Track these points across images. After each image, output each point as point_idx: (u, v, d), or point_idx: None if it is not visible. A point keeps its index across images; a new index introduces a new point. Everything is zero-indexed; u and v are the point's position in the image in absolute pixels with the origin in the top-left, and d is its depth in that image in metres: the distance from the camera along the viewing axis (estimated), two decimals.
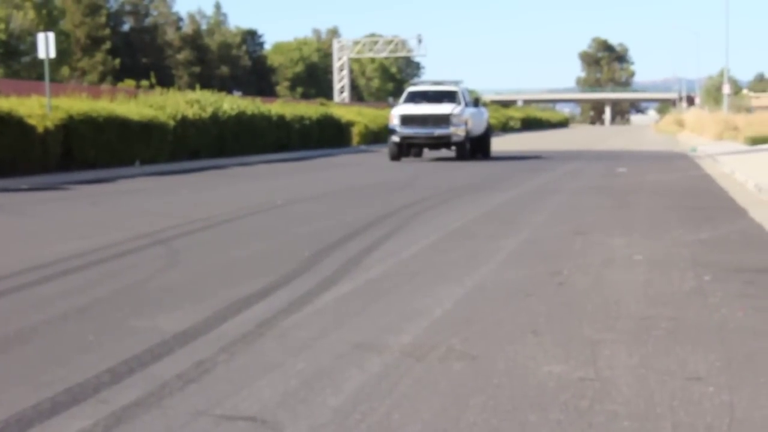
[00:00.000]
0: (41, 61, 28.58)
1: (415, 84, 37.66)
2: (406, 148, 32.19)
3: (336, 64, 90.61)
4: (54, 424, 4.45)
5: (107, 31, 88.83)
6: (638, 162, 29.72)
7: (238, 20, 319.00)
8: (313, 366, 5.39)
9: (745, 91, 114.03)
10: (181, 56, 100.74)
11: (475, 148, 32.56)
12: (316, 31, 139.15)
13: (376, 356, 5.60)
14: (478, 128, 32.71)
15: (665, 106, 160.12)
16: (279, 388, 4.97)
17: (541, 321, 6.51)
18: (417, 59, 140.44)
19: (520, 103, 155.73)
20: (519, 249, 10.17)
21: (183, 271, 8.97)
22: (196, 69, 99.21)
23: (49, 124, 24.03)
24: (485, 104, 42.32)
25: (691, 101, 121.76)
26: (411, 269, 8.80)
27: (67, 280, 8.41)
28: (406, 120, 31.24)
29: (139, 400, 4.77)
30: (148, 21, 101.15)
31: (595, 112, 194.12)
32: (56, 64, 59.40)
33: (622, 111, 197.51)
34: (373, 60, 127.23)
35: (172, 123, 30.43)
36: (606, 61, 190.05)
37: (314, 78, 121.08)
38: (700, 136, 55.88)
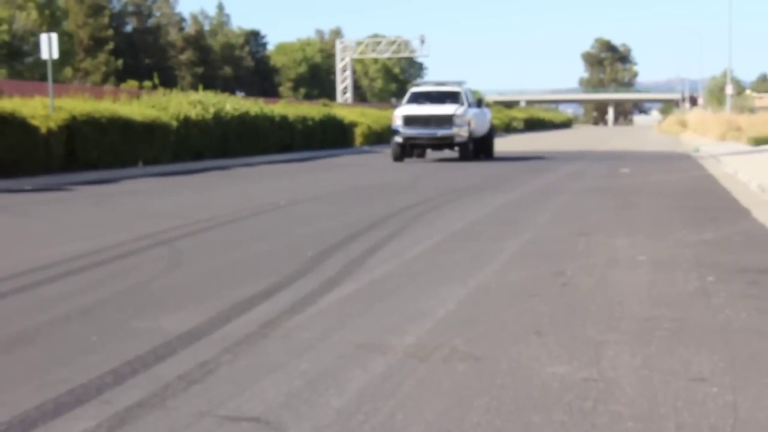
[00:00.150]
0: (44, 62, 28.54)
1: (418, 84, 37.66)
2: (409, 149, 32.19)
3: (339, 65, 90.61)
4: (57, 424, 4.45)
5: (110, 32, 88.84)
6: (641, 163, 29.70)
7: (240, 21, 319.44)
8: (317, 367, 5.39)
9: (748, 92, 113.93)
10: (184, 57, 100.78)
11: (478, 148, 32.56)
12: (319, 32, 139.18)
13: (380, 357, 5.60)
14: (481, 129, 32.70)
15: (668, 106, 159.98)
16: (282, 389, 4.96)
17: (544, 322, 6.50)
18: (420, 60, 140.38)
19: (523, 104, 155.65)
20: (522, 250, 10.17)
21: (186, 271, 8.97)
22: (199, 70, 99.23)
23: (52, 124, 24.04)
24: (488, 105, 42.30)
25: (694, 102, 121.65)
26: (414, 270, 8.79)
27: (70, 281, 8.41)
28: (409, 121, 31.23)
29: (142, 400, 4.77)
30: (151, 22, 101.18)
31: (598, 113, 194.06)
32: (59, 64, 59.37)
33: (625, 111, 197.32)
34: (376, 60, 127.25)
35: (174, 124, 30.44)
36: (609, 61, 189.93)
37: (317, 79, 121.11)
38: (703, 137, 55.84)
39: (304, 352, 5.72)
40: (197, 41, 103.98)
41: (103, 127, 26.16)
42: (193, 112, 32.01)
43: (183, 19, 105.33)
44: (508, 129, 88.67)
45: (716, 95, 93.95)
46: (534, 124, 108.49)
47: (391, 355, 5.63)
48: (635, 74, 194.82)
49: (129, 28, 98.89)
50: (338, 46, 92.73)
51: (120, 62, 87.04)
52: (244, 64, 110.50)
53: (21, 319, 6.73)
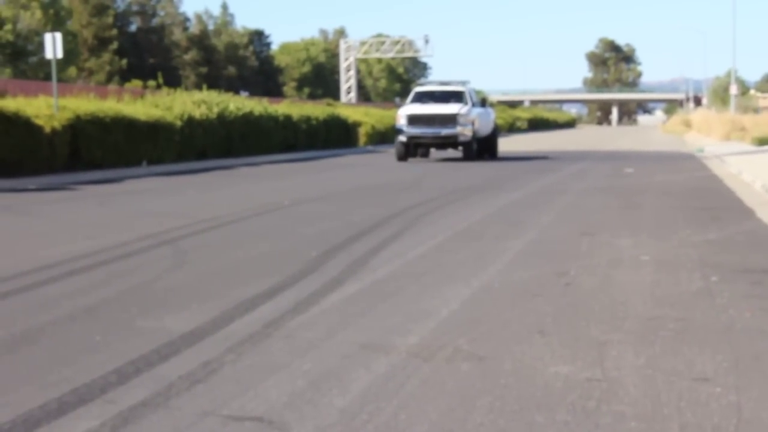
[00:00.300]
0: (48, 62, 28.62)
1: (422, 84, 37.64)
2: (413, 149, 32.21)
3: (343, 65, 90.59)
4: (61, 424, 4.45)
5: (114, 32, 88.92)
6: (645, 162, 29.68)
7: (245, 20, 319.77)
8: (320, 366, 5.39)
9: (752, 92, 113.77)
10: (188, 57, 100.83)
11: (482, 148, 32.54)
12: (323, 32, 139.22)
13: (383, 357, 5.60)
14: (485, 128, 32.70)
15: (672, 106, 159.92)
16: (286, 389, 4.97)
17: (548, 321, 6.50)
18: (424, 59, 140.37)
19: (527, 104, 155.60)
20: (526, 249, 10.17)
21: (190, 271, 8.98)
22: (203, 69, 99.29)
23: (57, 124, 24.07)
24: (492, 104, 42.26)
25: (698, 102, 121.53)
26: (418, 270, 8.79)
27: (74, 281, 8.42)
28: (413, 120, 31.24)
29: (146, 400, 4.78)
30: (155, 21, 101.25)
31: (602, 113, 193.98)
32: (63, 64, 59.45)
33: (629, 111, 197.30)
34: (380, 60, 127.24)
35: (179, 123, 30.47)
36: (613, 61, 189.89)
37: (321, 78, 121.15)
38: (707, 137, 55.80)
39: (307, 352, 5.72)
40: (201, 41, 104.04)
41: (107, 127, 26.19)
42: (197, 112, 32.02)
43: (187, 19, 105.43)
44: (512, 129, 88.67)
45: (720, 95, 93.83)
46: (538, 124, 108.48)
47: (394, 355, 5.63)
48: (639, 74, 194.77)
49: (133, 27, 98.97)
50: (342, 45, 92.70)
51: (124, 62, 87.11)
52: (248, 64, 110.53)
53: (25, 319, 6.74)
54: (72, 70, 72.18)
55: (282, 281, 8.14)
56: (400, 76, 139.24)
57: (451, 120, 30.92)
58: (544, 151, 40.63)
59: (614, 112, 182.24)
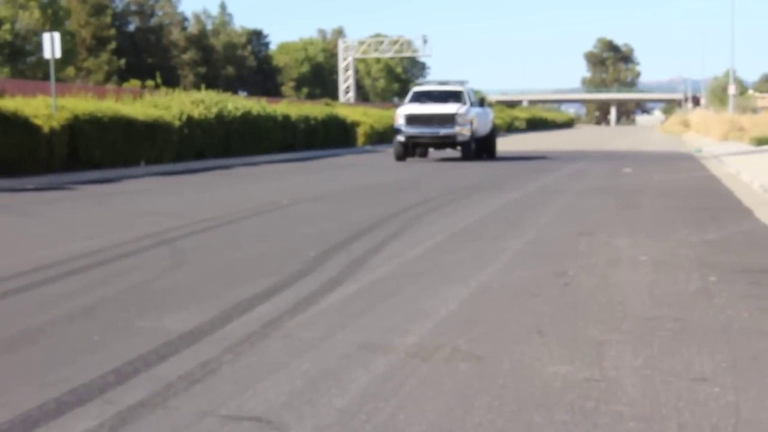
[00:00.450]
0: (47, 61, 28.65)
1: (420, 84, 37.64)
2: (412, 148, 32.22)
3: (341, 65, 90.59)
4: (59, 424, 4.45)
5: (113, 31, 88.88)
6: (643, 162, 29.70)
7: (243, 20, 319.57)
8: (319, 366, 5.39)
9: (750, 92, 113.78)
10: (187, 56, 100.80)
11: (481, 148, 32.55)
12: (322, 32, 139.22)
13: (382, 357, 5.60)
14: (483, 128, 32.71)
15: (671, 106, 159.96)
16: (284, 389, 4.97)
17: (546, 321, 6.51)
18: (422, 59, 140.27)
19: (525, 104, 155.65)
20: (524, 249, 10.17)
21: (188, 271, 8.98)
22: (202, 69, 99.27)
23: (55, 124, 24.05)
24: (490, 104, 42.24)
25: (696, 102, 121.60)
26: (416, 270, 8.79)
27: (72, 281, 8.42)
28: (412, 120, 31.25)
29: (144, 400, 4.78)
30: (154, 21, 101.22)
31: (600, 113, 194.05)
32: (62, 64, 59.42)
33: (628, 111, 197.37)
34: (378, 60, 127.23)
35: (177, 123, 30.45)
36: (611, 61, 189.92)
37: (319, 78, 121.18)
38: (705, 137, 55.83)
39: (305, 352, 5.72)
40: (200, 41, 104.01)
41: (106, 127, 26.17)
42: (196, 112, 32.01)
43: (185, 19, 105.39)
44: (511, 129, 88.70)
45: (719, 95, 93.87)
46: (536, 124, 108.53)
47: (393, 355, 5.64)
48: (638, 74, 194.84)
49: (132, 27, 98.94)
50: (341, 45, 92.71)
51: (122, 62, 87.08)
52: (246, 64, 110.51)
53: (23, 319, 6.73)
54: (70, 70, 72.16)
55: (280, 281, 8.15)
56: (399, 76, 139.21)
57: (449, 120, 30.93)
58: (543, 151, 40.65)
59: (613, 112, 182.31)
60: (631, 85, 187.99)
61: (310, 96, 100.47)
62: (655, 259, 9.33)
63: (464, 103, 31.75)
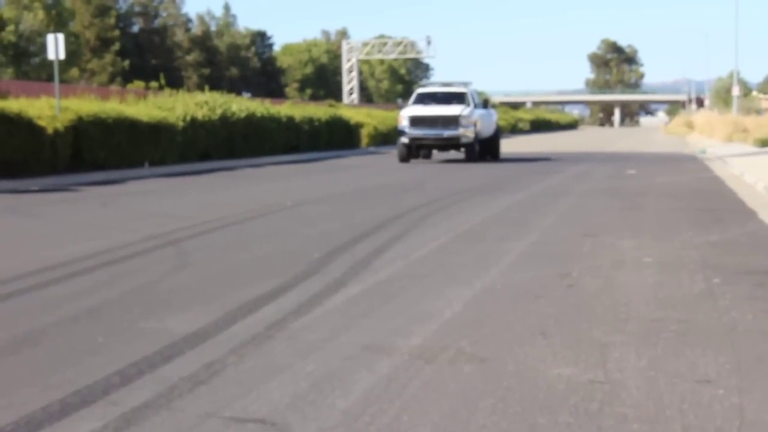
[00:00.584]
0: (51, 63, 28.69)
1: (424, 85, 37.65)
2: (416, 150, 32.19)
3: (345, 66, 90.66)
4: (63, 425, 4.45)
5: (116, 33, 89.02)
6: (647, 164, 29.68)
7: (247, 21, 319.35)
8: (323, 368, 5.39)
9: (754, 93, 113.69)
10: (191, 57, 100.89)
11: (485, 149, 32.54)
12: (326, 33, 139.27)
13: (386, 358, 5.60)
14: (487, 130, 32.70)
15: (674, 107, 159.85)
16: (288, 390, 4.97)
17: (550, 323, 6.50)
18: (426, 61, 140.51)
19: (529, 105, 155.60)
20: (528, 251, 10.16)
21: (192, 272, 8.98)
22: (206, 70, 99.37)
23: (59, 125, 24.08)
24: (494, 106, 42.27)
25: (700, 103, 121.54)
26: (420, 271, 8.79)
27: (76, 282, 8.42)
28: (415, 121, 31.24)
29: (148, 401, 4.78)
30: (158, 22, 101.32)
31: (604, 114, 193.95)
32: (66, 65, 59.53)
33: (632, 113, 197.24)
34: (382, 61, 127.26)
35: (181, 124, 30.48)
36: (615, 62, 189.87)
37: (323, 79, 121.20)
38: (709, 138, 55.78)
39: (309, 354, 5.72)
40: (204, 42, 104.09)
41: (110, 128, 26.19)
42: (200, 113, 32.04)
43: (189, 20, 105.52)
44: (514, 130, 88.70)
45: (723, 96, 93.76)
46: (540, 125, 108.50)
47: (397, 357, 5.64)
48: (641, 75, 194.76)
49: (135, 28, 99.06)
50: (344, 47, 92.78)
51: (126, 63, 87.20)
52: (250, 65, 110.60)
53: (27, 320, 6.74)
54: (74, 71, 72.27)
55: (285, 282, 8.15)
56: (403, 78, 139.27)
57: (453, 121, 30.93)
58: (547, 152, 40.63)
59: (616, 114, 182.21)
60: (634, 86, 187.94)
61: (314, 97, 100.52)
62: (660, 260, 9.33)
63: (468, 105, 31.74)
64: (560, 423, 4.44)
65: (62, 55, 26.50)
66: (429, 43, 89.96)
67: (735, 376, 5.19)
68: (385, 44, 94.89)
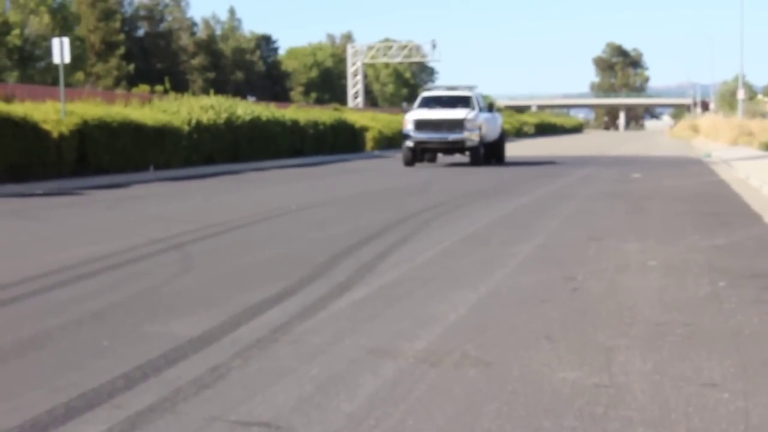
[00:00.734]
0: (56, 66, 28.68)
1: (429, 89, 37.70)
2: (420, 154, 32.21)
3: (350, 69, 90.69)
4: (68, 429, 4.45)
5: (122, 36, 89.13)
6: (653, 167, 29.66)
7: (252, 25, 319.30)
8: (328, 371, 5.39)
9: (760, 96, 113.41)
10: (196, 61, 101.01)
11: (490, 153, 32.54)
12: (331, 36, 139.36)
13: (391, 362, 5.60)
14: (492, 133, 32.70)
15: (680, 111, 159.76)
16: (293, 394, 4.97)
17: (555, 327, 6.50)
18: (431, 64, 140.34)
19: (534, 109, 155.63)
20: (533, 254, 10.16)
21: (197, 276, 8.99)
22: (211, 74, 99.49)
23: (64, 129, 24.11)
24: (499, 109, 42.25)
25: (705, 106, 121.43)
26: (425, 275, 8.79)
27: (81, 285, 8.43)
28: (420, 125, 31.26)
29: (153, 405, 4.78)
30: (163, 26, 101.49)
31: (609, 118, 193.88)
32: (71, 69, 59.56)
33: (637, 116, 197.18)
34: (387, 65, 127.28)
35: (186, 128, 30.51)
36: (620, 66, 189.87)
37: (328, 83, 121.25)
38: (714, 142, 55.74)
39: (314, 357, 5.72)
40: (209, 46, 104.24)
41: (115, 132, 26.22)
42: (205, 117, 32.06)
43: (194, 24, 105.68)
44: (519, 133, 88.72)
45: (728, 100, 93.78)
46: (545, 129, 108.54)
47: (401, 360, 5.63)
48: (646, 79, 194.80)
49: (141, 32, 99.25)
50: (349, 50, 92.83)
51: (131, 66, 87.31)
52: (255, 69, 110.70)
53: (32, 323, 6.74)
54: (79, 75, 72.28)
55: (289, 286, 8.15)
56: (408, 81, 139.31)
57: (458, 125, 30.93)
58: (552, 156, 40.62)
59: (621, 117, 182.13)
60: (640, 89, 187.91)
61: (319, 101, 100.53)
62: (665, 264, 9.32)
63: (473, 109, 31.75)
64: (565, 427, 4.44)
65: (67, 59, 26.53)
66: (434, 46, 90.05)
67: (740, 380, 5.19)
68: (390, 48, 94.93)
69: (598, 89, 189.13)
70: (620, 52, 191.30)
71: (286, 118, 38.80)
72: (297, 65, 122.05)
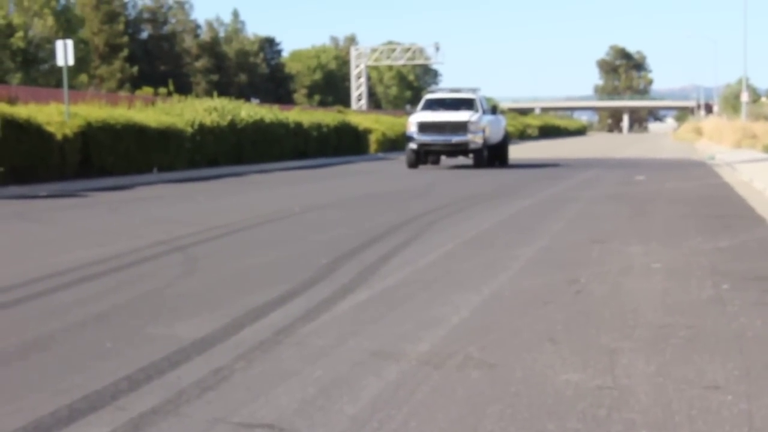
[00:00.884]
0: (60, 69, 28.71)
1: (432, 91, 37.65)
2: (424, 156, 32.21)
3: (353, 72, 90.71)
4: (72, 431, 4.46)
5: (125, 39, 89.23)
6: (656, 170, 29.65)
7: (255, 28, 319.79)
8: (331, 373, 5.39)
9: (763, 99, 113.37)
10: (199, 64, 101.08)
11: (493, 155, 32.53)
12: (334, 39, 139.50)
13: (394, 364, 5.60)
14: (495, 136, 32.69)
15: (683, 114, 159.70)
16: (296, 396, 4.97)
17: (558, 329, 6.49)
18: (435, 67, 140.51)
19: (537, 111, 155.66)
20: (536, 257, 10.16)
21: (201, 278, 8.99)
22: (214, 77, 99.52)
23: (68, 131, 24.12)
24: (503, 112, 42.30)
25: (709, 109, 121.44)
26: (428, 277, 8.79)
27: (85, 287, 8.43)
28: (424, 127, 31.26)
29: (156, 407, 4.78)
30: (167, 28, 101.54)
31: (612, 120, 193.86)
32: (75, 71, 59.65)
33: (640, 119, 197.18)
34: (390, 67, 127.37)
35: (189, 130, 30.51)
36: (624, 68, 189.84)
37: (332, 85, 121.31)
38: (718, 144, 55.71)
39: (317, 359, 5.72)
40: (212, 48, 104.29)
41: (118, 134, 26.23)
42: (208, 119, 32.07)
43: (198, 26, 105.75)
44: (523, 136, 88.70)
45: (731, 103, 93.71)
46: (548, 132, 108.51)
47: (404, 363, 5.63)
48: (650, 81, 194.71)
49: (144, 34, 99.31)
50: (353, 53, 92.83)
51: (135, 69, 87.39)
52: (259, 71, 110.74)
53: (36, 326, 6.75)
54: (83, 77, 72.38)
55: (292, 288, 8.15)
56: (411, 84, 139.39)
57: (461, 127, 30.94)
58: (555, 158, 40.61)
59: (625, 120, 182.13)
60: (643, 92, 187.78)
61: (323, 103, 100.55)
62: (668, 266, 9.31)
63: (476, 111, 31.75)
64: (568, 429, 4.44)
65: (71, 62, 26.54)
66: (437, 49, 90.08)
67: (744, 383, 5.18)
68: (393, 50, 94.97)
69: (602, 92, 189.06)
70: (624, 54, 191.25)
71: (290, 121, 38.79)
72: (300, 67, 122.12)
